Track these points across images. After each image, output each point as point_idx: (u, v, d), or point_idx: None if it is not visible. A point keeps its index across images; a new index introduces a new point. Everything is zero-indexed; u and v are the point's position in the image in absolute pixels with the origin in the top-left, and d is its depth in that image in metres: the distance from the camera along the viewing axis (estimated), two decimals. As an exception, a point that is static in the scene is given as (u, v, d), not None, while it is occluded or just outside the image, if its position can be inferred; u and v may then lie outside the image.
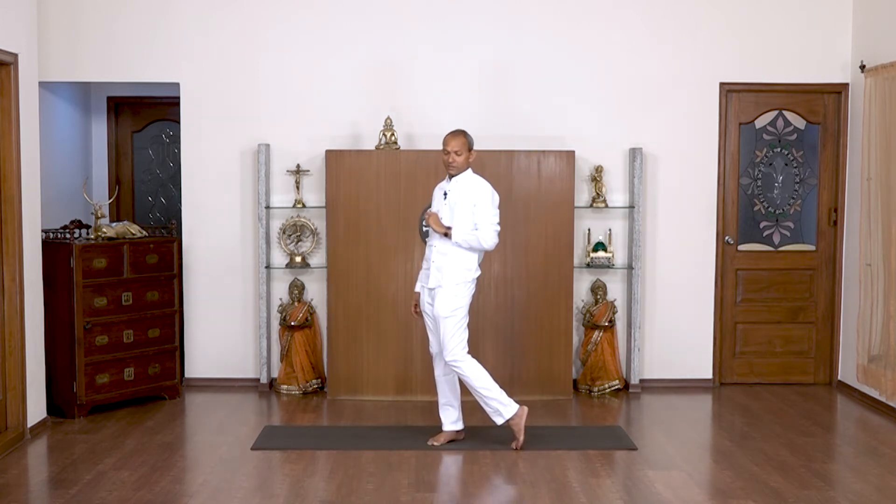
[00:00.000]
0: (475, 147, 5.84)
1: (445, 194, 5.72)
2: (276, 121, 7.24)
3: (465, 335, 5.68)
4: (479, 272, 5.76)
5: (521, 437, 5.67)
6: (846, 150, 7.37)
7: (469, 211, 5.62)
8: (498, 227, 5.68)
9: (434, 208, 5.77)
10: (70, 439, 5.93)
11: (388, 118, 7.04)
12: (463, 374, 5.67)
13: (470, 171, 5.75)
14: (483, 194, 5.66)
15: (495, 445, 5.73)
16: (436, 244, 5.70)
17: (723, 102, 7.35)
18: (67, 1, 7.12)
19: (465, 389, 5.81)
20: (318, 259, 7.29)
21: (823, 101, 7.42)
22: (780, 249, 7.54)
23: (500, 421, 5.69)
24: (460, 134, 5.72)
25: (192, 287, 7.30)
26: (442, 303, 5.63)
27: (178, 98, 7.31)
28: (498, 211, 5.71)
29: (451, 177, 5.73)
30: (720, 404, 7.01)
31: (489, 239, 5.61)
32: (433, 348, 5.83)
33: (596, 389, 7.15)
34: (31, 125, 6.13)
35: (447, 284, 5.62)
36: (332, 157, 6.94)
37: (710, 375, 7.47)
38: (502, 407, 5.66)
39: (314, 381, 7.17)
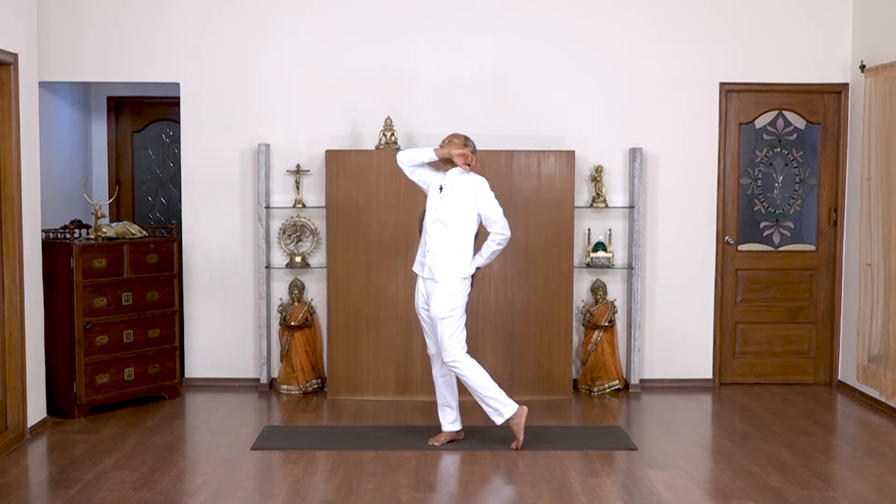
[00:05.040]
0: (481, 150, 5.89)
1: (441, 188, 5.73)
2: (276, 121, 7.24)
3: (463, 335, 5.68)
4: (474, 269, 5.75)
5: (521, 437, 5.67)
6: (846, 150, 7.37)
7: (467, 204, 5.62)
8: (501, 213, 5.69)
9: (430, 202, 5.77)
10: (70, 439, 5.93)
11: (388, 118, 7.05)
12: (462, 375, 5.67)
13: (478, 178, 5.74)
14: (481, 185, 5.68)
15: (495, 445, 5.73)
16: (430, 236, 5.70)
17: (723, 102, 7.35)
18: (67, 1, 7.12)
19: (463, 389, 5.81)
20: (318, 259, 7.30)
21: (823, 101, 7.42)
22: (780, 249, 7.54)
23: (499, 421, 5.69)
24: (460, 134, 5.83)
25: (192, 287, 7.31)
26: (438, 304, 5.63)
27: (178, 98, 7.31)
28: (496, 203, 5.72)
29: (445, 171, 5.75)
30: (720, 404, 7.01)
31: (505, 229, 5.68)
32: (431, 349, 5.83)
33: (596, 389, 7.15)
34: (31, 125, 6.13)
35: (441, 279, 5.62)
36: (332, 157, 6.94)
37: (710, 375, 7.47)
38: (502, 406, 5.66)
39: (314, 381, 7.17)
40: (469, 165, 5.65)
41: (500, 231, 5.65)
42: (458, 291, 5.64)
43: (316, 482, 5.16)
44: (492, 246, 5.67)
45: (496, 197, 5.70)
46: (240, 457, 5.60)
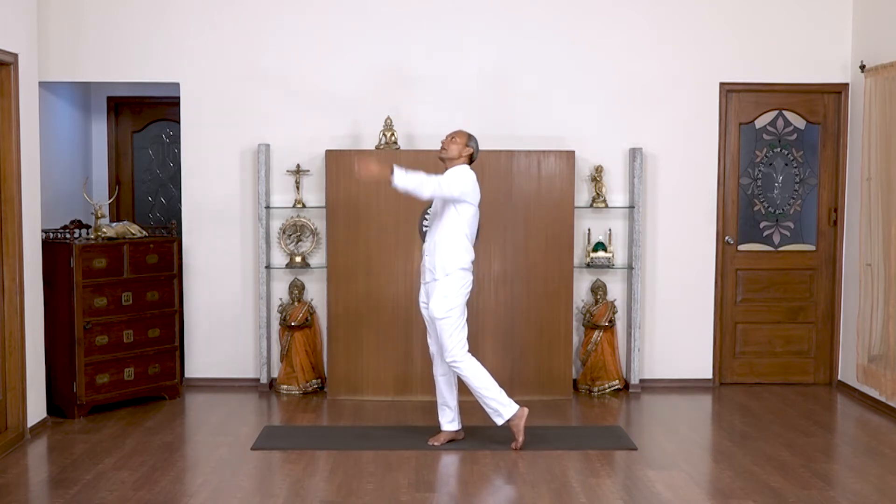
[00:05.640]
0: (480, 149, 5.88)
1: None
2: (276, 121, 7.24)
3: (464, 334, 5.67)
4: (472, 257, 5.71)
5: (521, 438, 5.66)
6: (846, 150, 7.37)
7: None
8: (455, 191, 5.54)
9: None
10: (70, 439, 5.93)
11: (388, 118, 7.05)
12: (463, 374, 5.67)
13: (465, 166, 5.73)
14: (460, 168, 5.65)
15: (495, 445, 5.73)
16: (426, 242, 5.72)
17: (723, 102, 7.35)
18: (67, 1, 7.12)
19: (464, 389, 5.81)
20: (318, 259, 7.30)
21: (823, 101, 7.42)
22: (780, 249, 7.54)
23: (499, 421, 5.69)
24: (464, 131, 5.80)
25: (192, 287, 7.30)
26: (436, 304, 5.63)
27: (178, 98, 7.31)
28: (466, 187, 5.58)
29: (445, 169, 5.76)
30: (720, 404, 7.01)
31: (445, 184, 5.50)
32: (432, 348, 5.83)
33: (596, 389, 7.15)
34: (31, 125, 6.13)
35: (440, 277, 5.60)
36: (332, 157, 6.94)
37: (710, 375, 7.47)
38: (502, 407, 5.66)
39: (314, 381, 7.17)
40: (365, 171, 5.53)
41: (443, 184, 5.49)
42: (455, 291, 5.62)
43: (316, 482, 5.16)
44: (416, 178, 5.45)
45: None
46: (240, 457, 5.59)
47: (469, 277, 5.71)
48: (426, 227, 5.89)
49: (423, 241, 5.84)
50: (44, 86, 7.04)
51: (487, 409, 5.71)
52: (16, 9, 5.96)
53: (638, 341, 7.24)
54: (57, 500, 4.86)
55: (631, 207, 7.21)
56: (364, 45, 7.23)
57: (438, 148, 5.86)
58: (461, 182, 5.59)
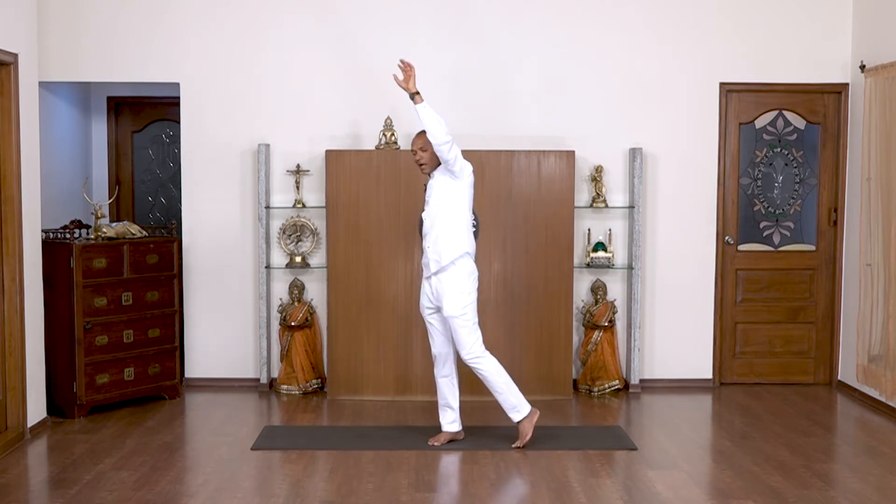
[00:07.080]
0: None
1: (427, 188, 5.73)
2: (276, 121, 7.24)
3: (480, 331, 5.66)
4: (474, 247, 5.70)
5: (527, 438, 5.65)
6: (846, 150, 7.37)
7: (447, 183, 5.58)
8: (461, 164, 5.55)
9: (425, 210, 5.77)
10: (70, 439, 5.93)
11: (388, 118, 7.05)
12: (482, 371, 5.63)
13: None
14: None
15: (495, 445, 5.73)
16: (426, 236, 5.68)
17: (723, 102, 7.35)
18: (67, 1, 7.12)
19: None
20: (318, 259, 7.30)
21: (823, 101, 7.42)
22: (780, 249, 7.54)
23: (517, 418, 5.67)
24: (424, 132, 5.60)
25: (192, 287, 7.31)
26: (450, 302, 5.59)
27: (178, 98, 7.31)
28: (465, 163, 5.59)
29: (429, 177, 5.75)
30: (720, 404, 7.01)
31: (446, 148, 5.44)
32: (435, 349, 5.80)
33: (596, 389, 7.15)
34: (31, 125, 6.13)
35: (446, 263, 5.55)
36: (332, 157, 6.94)
37: (710, 375, 7.47)
38: (520, 404, 5.66)
39: (314, 381, 7.17)
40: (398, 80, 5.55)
41: (455, 151, 5.49)
42: (468, 287, 5.60)
43: (316, 482, 5.16)
44: (437, 117, 5.45)
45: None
46: (240, 457, 5.59)
47: (475, 268, 5.69)
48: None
49: (422, 237, 5.77)
50: (44, 86, 7.04)
51: (505, 406, 5.68)
52: (16, 9, 5.96)
53: (638, 341, 7.24)
54: (57, 500, 4.86)
55: (631, 207, 7.21)
56: (364, 45, 7.23)
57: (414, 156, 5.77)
58: (464, 162, 5.60)
